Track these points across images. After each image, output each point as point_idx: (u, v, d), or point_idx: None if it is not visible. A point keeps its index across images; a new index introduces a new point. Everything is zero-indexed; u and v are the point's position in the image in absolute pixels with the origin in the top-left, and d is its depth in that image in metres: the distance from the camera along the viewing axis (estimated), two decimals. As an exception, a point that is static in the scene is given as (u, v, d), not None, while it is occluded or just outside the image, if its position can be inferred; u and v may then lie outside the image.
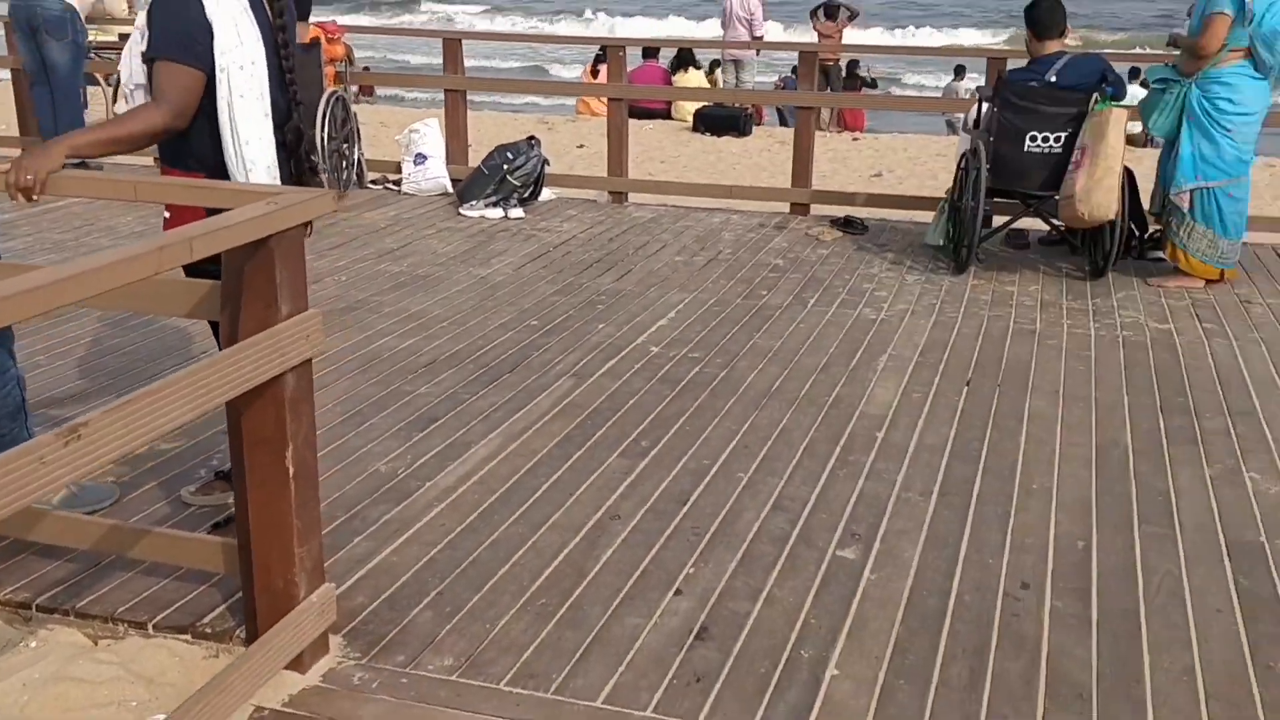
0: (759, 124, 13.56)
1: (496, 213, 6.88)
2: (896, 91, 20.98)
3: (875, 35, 32.90)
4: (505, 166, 6.96)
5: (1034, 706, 2.46)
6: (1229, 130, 5.34)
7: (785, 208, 7.32)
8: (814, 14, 15.19)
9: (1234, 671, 2.59)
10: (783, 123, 13.80)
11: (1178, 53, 5.54)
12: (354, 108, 7.68)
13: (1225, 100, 5.31)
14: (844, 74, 14.80)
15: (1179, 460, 3.68)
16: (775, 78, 15.96)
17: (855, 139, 12.99)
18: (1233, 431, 3.91)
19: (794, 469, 3.61)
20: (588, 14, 35.82)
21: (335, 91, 7.06)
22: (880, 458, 3.69)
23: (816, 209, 7.29)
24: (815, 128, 7.45)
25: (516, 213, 6.90)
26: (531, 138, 7.25)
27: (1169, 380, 4.39)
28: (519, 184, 6.97)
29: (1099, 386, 4.31)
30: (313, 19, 7.03)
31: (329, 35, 7.22)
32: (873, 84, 14.96)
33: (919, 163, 11.11)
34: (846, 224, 6.84)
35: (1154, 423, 3.98)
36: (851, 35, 16.01)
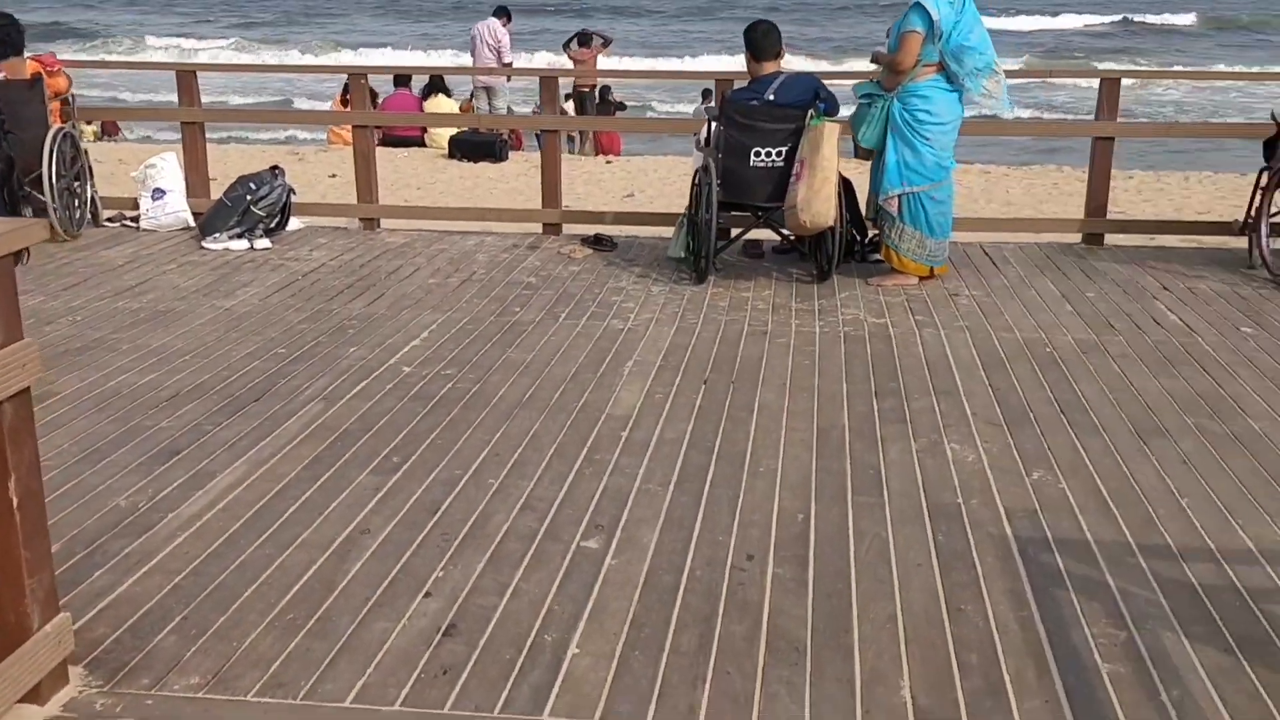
0: (518, 150, 13.78)
1: (242, 244, 6.77)
2: (651, 116, 21.70)
3: (635, 63, 33.91)
4: (249, 197, 6.87)
5: (755, 663, 2.69)
6: (928, 139, 5.86)
7: (539, 228, 7.52)
8: (567, 45, 15.60)
9: (931, 616, 2.90)
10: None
11: (880, 69, 6.05)
12: (88, 145, 7.41)
13: (923, 112, 5.83)
14: (598, 99, 15.25)
15: (889, 437, 4.05)
16: (533, 105, 16.25)
17: (609, 162, 13.38)
18: (937, 409, 4.32)
19: (543, 472, 3.76)
20: (336, 48, 35.32)
21: (63, 128, 6.79)
22: (624, 455, 3.90)
23: (568, 228, 7.51)
24: (566, 150, 7.69)
25: (263, 243, 6.82)
26: (275, 167, 7.18)
27: (883, 368, 4.79)
28: (264, 214, 6.88)
29: (822, 377, 4.67)
30: (27, 53, 6.74)
31: (48, 69, 6.93)
32: (621, 107, 15.45)
33: (668, 183, 11.56)
34: (596, 241, 7.09)
35: (869, 406, 4.35)
36: (604, 62, 16.52)
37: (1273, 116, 6.36)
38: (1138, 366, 4.77)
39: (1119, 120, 7.11)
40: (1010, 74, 6.05)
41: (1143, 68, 31.08)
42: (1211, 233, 7.29)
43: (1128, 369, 4.74)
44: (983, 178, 11.84)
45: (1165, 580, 3.06)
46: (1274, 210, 6.36)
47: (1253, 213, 6.49)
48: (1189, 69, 26.96)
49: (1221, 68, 28.81)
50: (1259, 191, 6.48)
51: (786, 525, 3.38)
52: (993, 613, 2.90)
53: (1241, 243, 6.64)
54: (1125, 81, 7.17)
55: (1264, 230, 6.37)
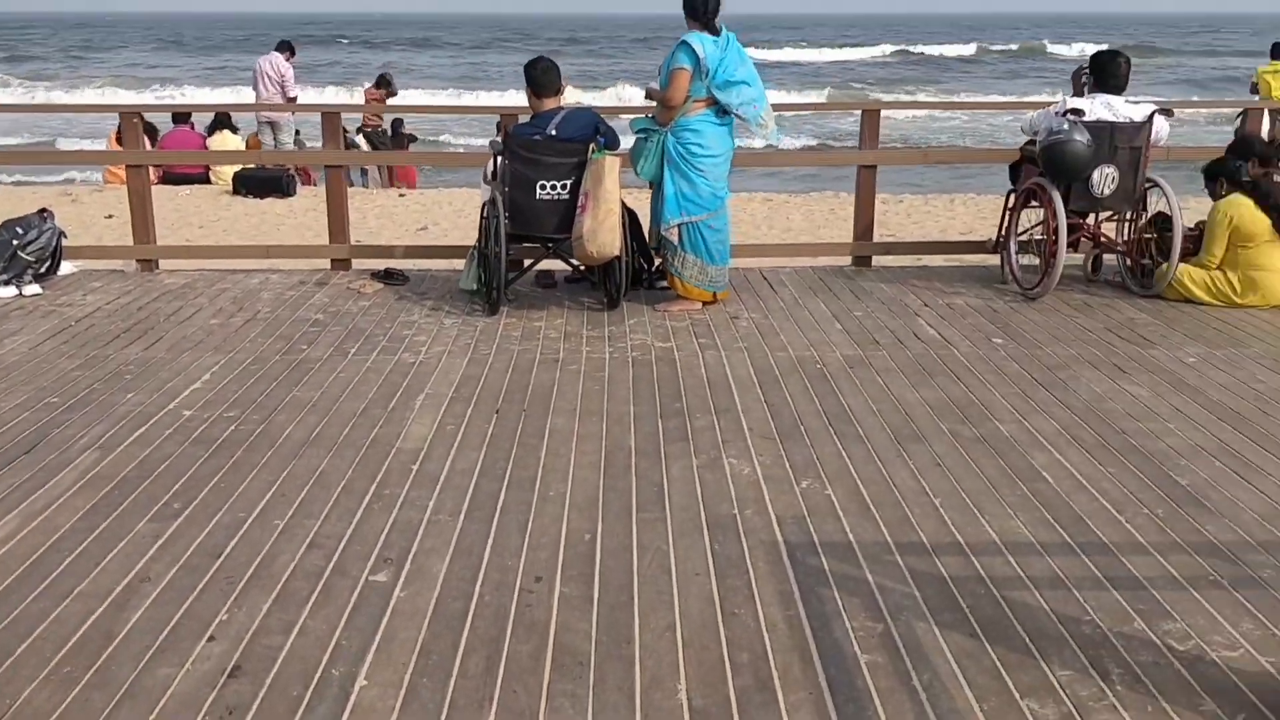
0: (309, 185, 13.57)
1: (9, 291, 6.47)
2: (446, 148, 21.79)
3: (430, 96, 34.05)
4: (15, 242, 6.57)
5: (541, 679, 2.79)
6: (702, 171, 6.14)
7: (327, 264, 7.46)
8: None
9: (706, 621, 3.07)
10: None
11: (654, 104, 6.29)
12: None
13: (696, 145, 6.10)
14: (390, 133, 15.18)
15: (673, 455, 4.23)
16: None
17: (402, 195, 13.32)
18: (717, 426, 4.54)
19: (331, 509, 3.77)
20: (114, 83, 33.94)
21: None
22: (414, 487, 3.94)
23: (358, 263, 7.49)
24: (360, 184, 7.64)
25: (32, 289, 6.53)
26: (43, 210, 6.89)
27: (668, 389, 4.99)
28: (33, 259, 6.60)
29: (610, 401, 4.83)
30: None
31: None
32: (413, 139, 15.45)
33: (463, 215, 11.62)
34: (387, 276, 7.09)
35: (654, 426, 4.53)
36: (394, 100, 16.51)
37: (1025, 132, 6.91)
38: (898, 378, 5.12)
39: (879, 149, 7.60)
40: (786, 107, 6.39)
41: (900, 98, 33.55)
42: (968, 252, 7.86)
43: (889, 381, 5.08)
44: (766, 205, 12.37)
45: (919, 574, 3.32)
46: (1021, 229, 6.92)
47: (1003, 232, 7.05)
48: (937, 100, 29.90)
49: (995, 98, 31.18)
50: (1008, 212, 7.05)
51: (574, 545, 3.50)
52: (763, 614, 3.09)
53: (996, 260, 7.19)
54: (914, 112, 7.68)
55: (1012, 248, 6.93)
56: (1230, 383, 5.04)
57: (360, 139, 15.13)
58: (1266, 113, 12.97)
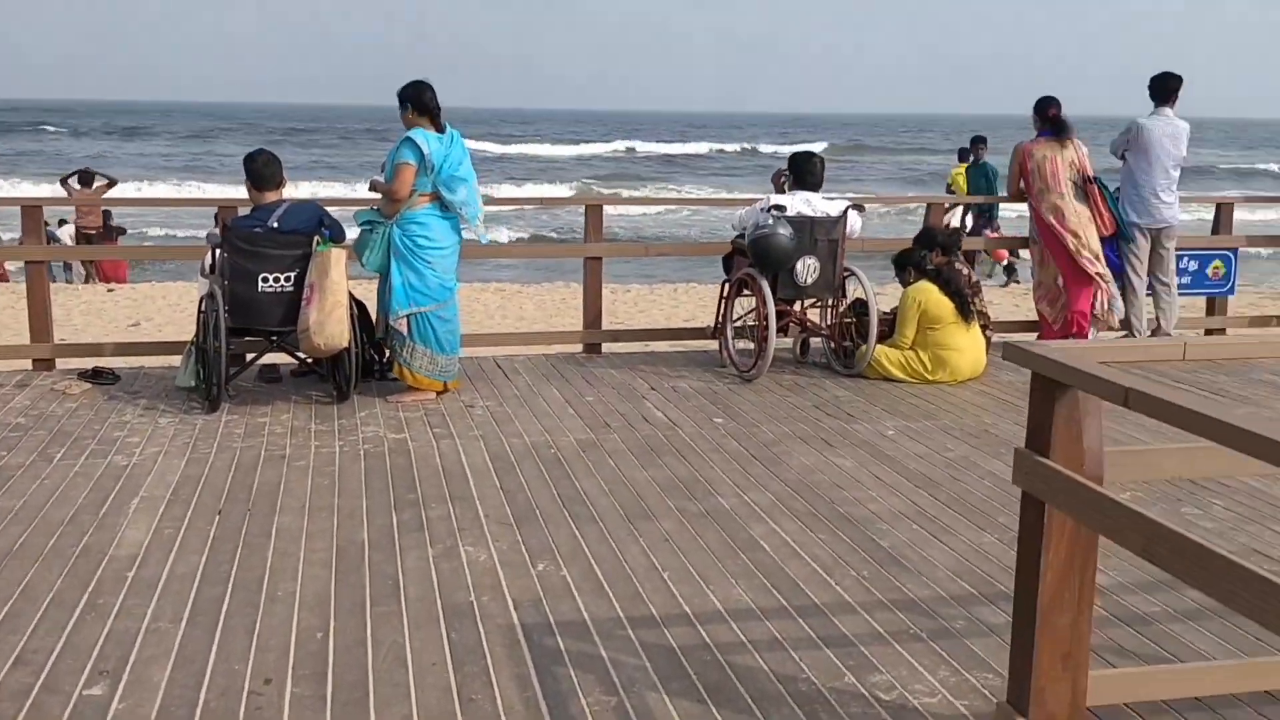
0: (5, 281, 12.71)
1: None
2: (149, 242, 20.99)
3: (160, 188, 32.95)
4: None
5: (273, 782, 2.72)
6: (430, 263, 6.21)
7: (29, 365, 6.99)
8: (65, 180, 14.67)
9: (444, 710, 3.07)
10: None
11: (379, 197, 6.34)
12: None
13: (423, 238, 6.17)
14: (101, 227, 14.45)
15: (407, 546, 4.21)
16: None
17: (111, 290, 12.66)
18: (453, 515, 4.55)
19: (39, 622, 3.53)
20: None
21: None
22: (131, 595, 3.75)
23: (63, 363, 7.07)
24: (64, 279, 7.22)
25: None
26: None
27: (403, 481, 4.97)
28: None
29: (341, 495, 4.76)
30: None
31: None
32: (122, 231, 14.78)
33: (179, 309, 11.18)
34: (96, 375, 6.72)
35: (388, 519, 4.49)
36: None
37: (736, 229, 7.38)
38: (629, 459, 5.31)
39: (605, 241, 7.91)
40: (514, 201, 6.57)
41: (630, 193, 35.52)
42: (691, 338, 8.26)
43: (620, 462, 5.26)
44: (499, 295, 12.56)
45: (649, 646, 3.45)
46: (736, 316, 7.34)
47: (720, 319, 7.46)
48: (655, 196, 32.73)
49: (723, 194, 33.44)
50: (723, 300, 7.47)
51: (305, 644, 3.42)
52: (501, 698, 3.13)
53: (716, 345, 7.58)
54: (649, 207, 8.00)
55: (729, 333, 7.33)
56: (924, 452, 5.51)
57: (60, 232, 14.31)
58: (962, 208, 14.39)
